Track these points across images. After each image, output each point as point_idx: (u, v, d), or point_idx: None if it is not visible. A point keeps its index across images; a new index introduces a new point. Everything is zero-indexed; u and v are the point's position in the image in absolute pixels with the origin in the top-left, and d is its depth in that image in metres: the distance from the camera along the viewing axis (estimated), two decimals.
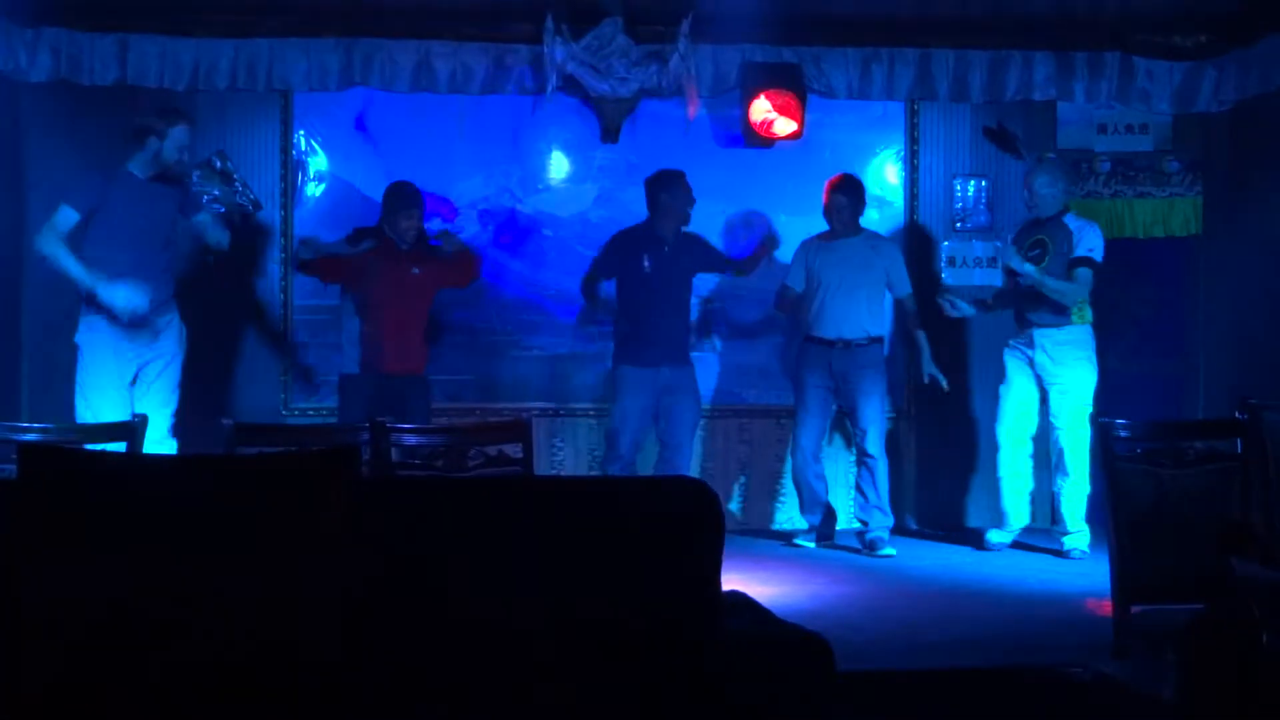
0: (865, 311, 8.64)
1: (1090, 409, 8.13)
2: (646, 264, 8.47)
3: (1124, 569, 5.85)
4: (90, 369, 7.29)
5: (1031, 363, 8.45)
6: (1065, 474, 8.38)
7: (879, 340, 8.73)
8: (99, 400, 7.23)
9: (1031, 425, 8.56)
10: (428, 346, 8.44)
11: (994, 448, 8.70)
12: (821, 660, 3.60)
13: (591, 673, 3.53)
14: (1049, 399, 8.43)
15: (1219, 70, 9.07)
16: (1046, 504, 8.85)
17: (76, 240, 7.19)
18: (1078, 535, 8.40)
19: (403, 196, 8.26)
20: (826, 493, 8.83)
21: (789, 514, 9.32)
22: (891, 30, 8.95)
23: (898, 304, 8.83)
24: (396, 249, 8.20)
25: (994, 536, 8.67)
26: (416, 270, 8.23)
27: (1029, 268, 8.32)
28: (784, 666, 3.59)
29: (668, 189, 8.52)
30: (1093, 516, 8.23)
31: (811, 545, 8.73)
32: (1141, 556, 5.82)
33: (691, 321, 8.91)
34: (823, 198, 8.69)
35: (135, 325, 7.26)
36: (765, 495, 9.41)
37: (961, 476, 9.44)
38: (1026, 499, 8.64)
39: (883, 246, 8.81)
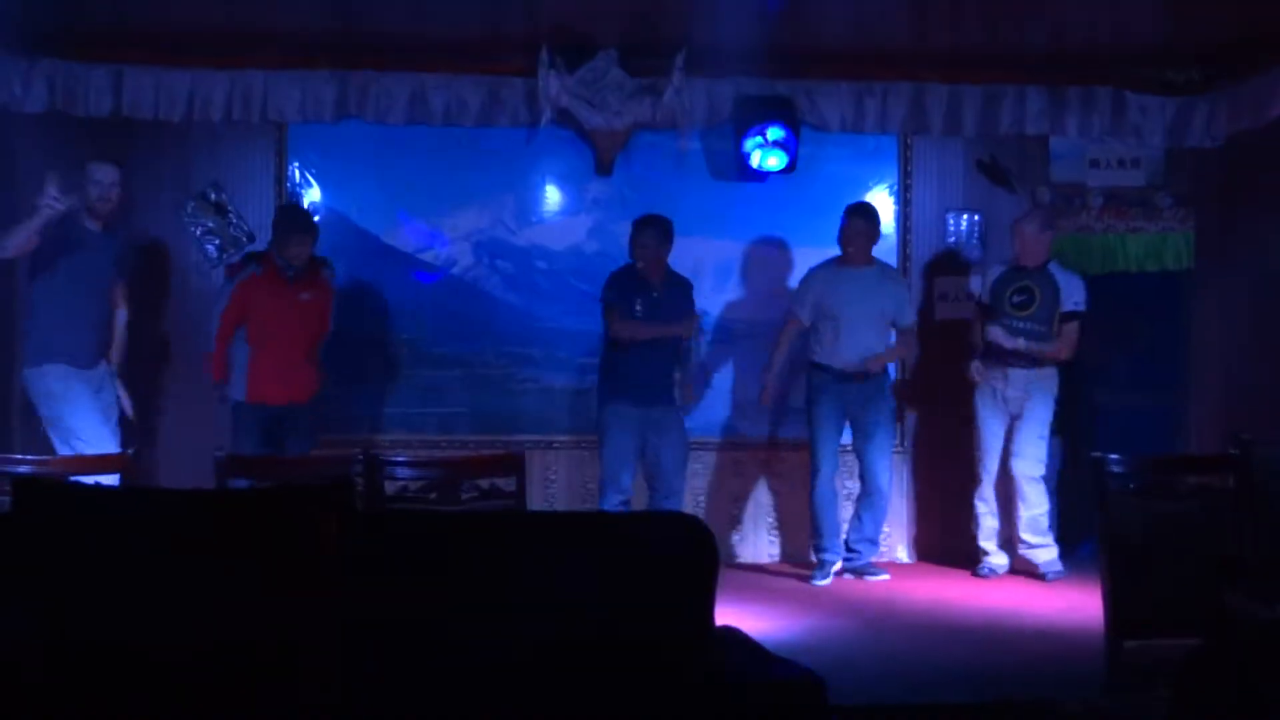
0: (877, 342, 8.65)
1: (1046, 440, 8.50)
2: (639, 308, 8.38)
3: (1117, 603, 5.84)
4: (69, 402, 7.52)
5: (1001, 396, 8.58)
6: (1025, 500, 8.60)
7: (885, 369, 8.77)
8: (85, 427, 7.37)
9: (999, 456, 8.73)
10: (317, 375, 8.26)
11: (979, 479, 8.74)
12: (814, 696, 3.59)
13: (585, 707, 3.53)
14: (1014, 429, 8.58)
15: (1210, 105, 9.11)
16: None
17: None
18: (1048, 550, 8.67)
19: (294, 220, 8.19)
20: (839, 522, 8.84)
21: (782, 548, 9.31)
22: (884, 64, 8.98)
23: (899, 332, 8.83)
24: (282, 274, 8.05)
25: (986, 567, 8.77)
26: (305, 296, 8.08)
27: (1022, 342, 8.46)
28: (777, 702, 3.59)
29: (640, 232, 8.45)
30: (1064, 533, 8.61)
31: (828, 581, 8.62)
32: (1135, 591, 5.82)
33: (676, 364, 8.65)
34: (842, 223, 8.67)
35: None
36: (758, 528, 9.39)
37: (953, 508, 9.43)
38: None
39: (892, 276, 8.84)
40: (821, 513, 8.70)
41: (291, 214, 8.27)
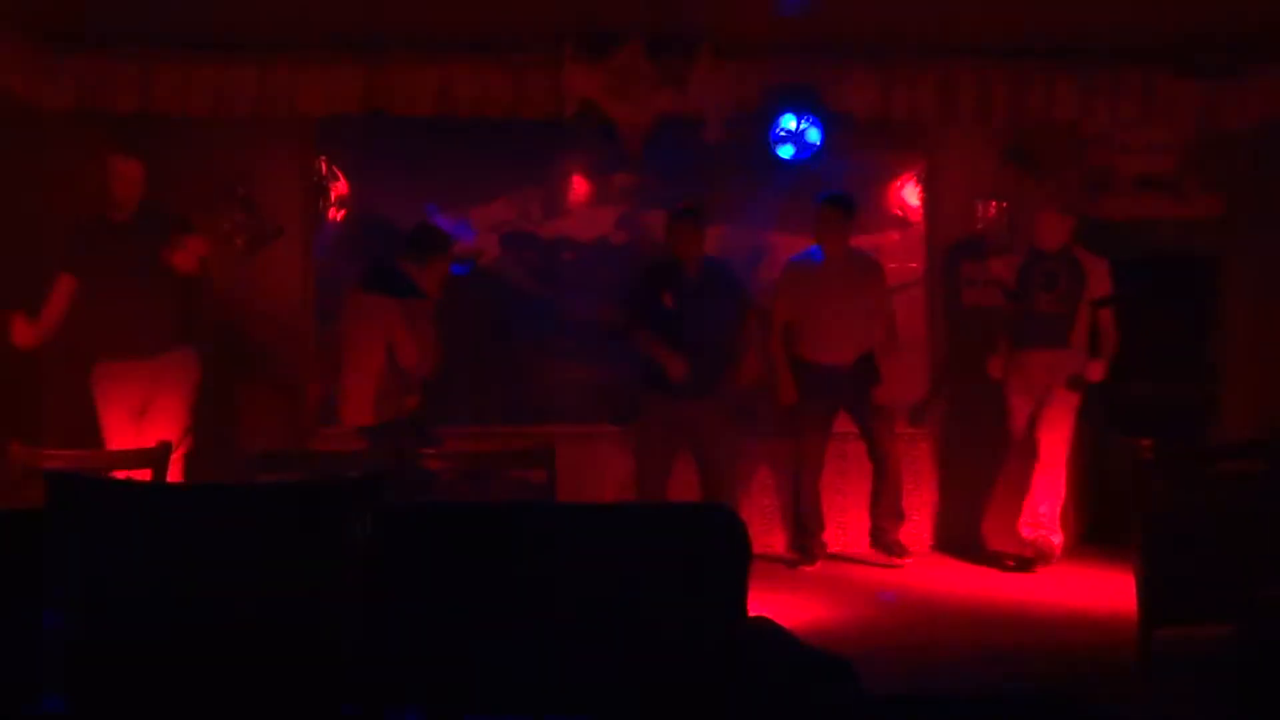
0: (861, 329, 8.69)
1: (1073, 420, 8.45)
2: (672, 299, 8.37)
3: (1150, 590, 5.83)
4: (101, 399, 7.61)
5: (1031, 382, 8.52)
6: (1045, 472, 8.54)
7: (872, 351, 8.77)
8: (108, 423, 7.55)
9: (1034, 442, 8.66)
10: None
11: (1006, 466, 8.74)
12: (847, 685, 3.58)
13: (619, 699, 3.52)
14: (1040, 412, 8.54)
15: (1241, 89, 9.05)
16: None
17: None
18: (1055, 539, 8.61)
19: (435, 240, 7.78)
20: (822, 514, 8.89)
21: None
22: (911, 51, 8.94)
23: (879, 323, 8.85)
24: (434, 295, 7.77)
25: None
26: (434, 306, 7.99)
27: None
28: (811, 692, 3.58)
29: (673, 223, 8.46)
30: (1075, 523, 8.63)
31: (811, 565, 8.76)
32: (1168, 579, 5.80)
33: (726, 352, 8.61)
34: (816, 213, 8.69)
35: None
36: (787, 519, 9.36)
37: (980, 494, 9.41)
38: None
39: (871, 267, 8.86)
40: (805, 510, 8.81)
41: (434, 231, 7.89)
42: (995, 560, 8.83)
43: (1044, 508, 8.53)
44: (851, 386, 8.67)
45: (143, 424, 7.55)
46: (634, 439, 8.52)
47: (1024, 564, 8.54)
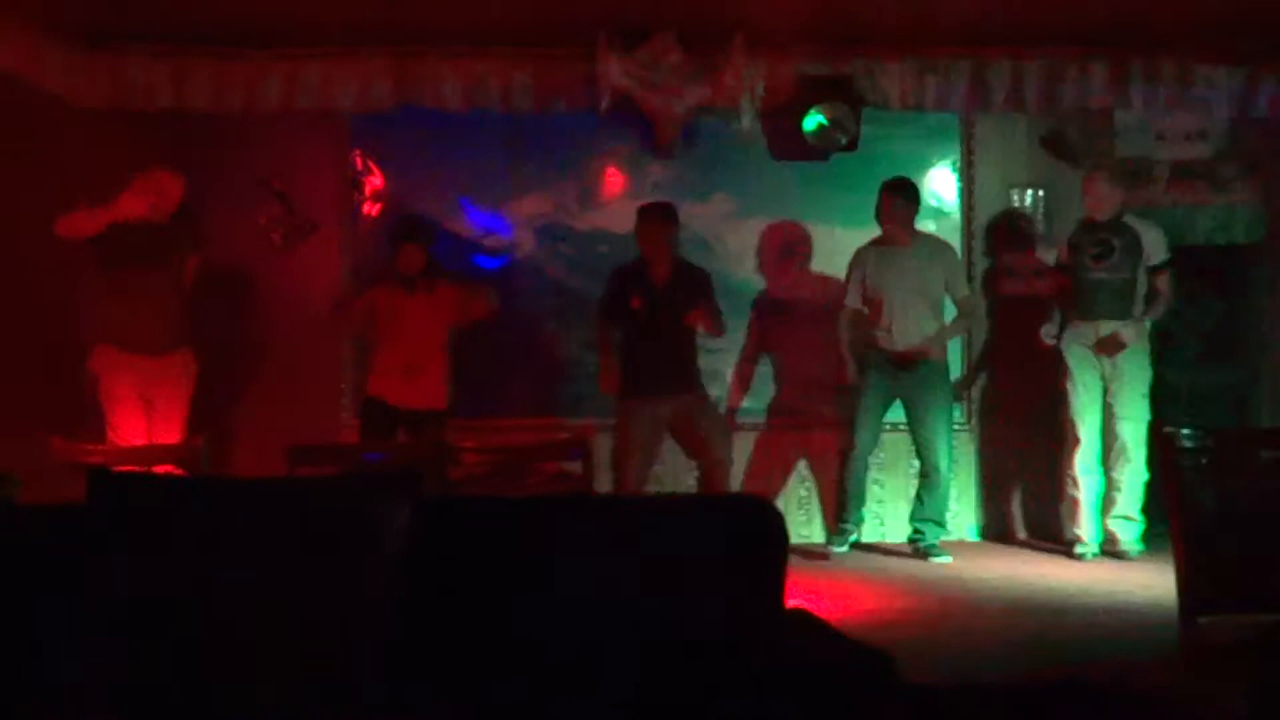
0: (930, 320, 8.61)
1: (1148, 399, 8.32)
2: (639, 301, 8.31)
3: (1190, 579, 5.79)
4: (107, 386, 7.69)
5: (1093, 350, 8.41)
6: (1129, 462, 8.40)
7: (943, 351, 8.69)
8: (115, 414, 7.57)
9: (1100, 420, 8.53)
10: (447, 379, 8.36)
11: (1058, 450, 8.64)
12: (885, 675, 3.57)
13: (655, 692, 3.52)
14: (1112, 391, 8.40)
15: (1277, 75, 8.98)
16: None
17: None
18: (1135, 526, 8.49)
19: (402, 228, 8.42)
20: (865, 495, 8.88)
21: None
22: (945, 40, 8.91)
23: (957, 304, 8.77)
24: (400, 278, 8.21)
25: (1083, 548, 8.57)
26: (424, 297, 8.21)
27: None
28: (849, 682, 3.57)
29: (640, 222, 8.44)
30: (1149, 509, 8.37)
31: (845, 550, 8.77)
32: (1208, 567, 5.76)
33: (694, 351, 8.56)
34: (878, 201, 8.63)
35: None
36: (824, 508, 9.35)
37: (1021, 485, 9.38)
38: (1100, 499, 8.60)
39: (941, 249, 8.78)
40: (850, 488, 8.76)
41: (401, 220, 8.47)
42: (1041, 548, 8.80)
43: (1128, 505, 8.45)
44: (915, 380, 8.61)
45: (151, 418, 7.63)
46: (613, 441, 8.45)
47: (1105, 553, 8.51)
